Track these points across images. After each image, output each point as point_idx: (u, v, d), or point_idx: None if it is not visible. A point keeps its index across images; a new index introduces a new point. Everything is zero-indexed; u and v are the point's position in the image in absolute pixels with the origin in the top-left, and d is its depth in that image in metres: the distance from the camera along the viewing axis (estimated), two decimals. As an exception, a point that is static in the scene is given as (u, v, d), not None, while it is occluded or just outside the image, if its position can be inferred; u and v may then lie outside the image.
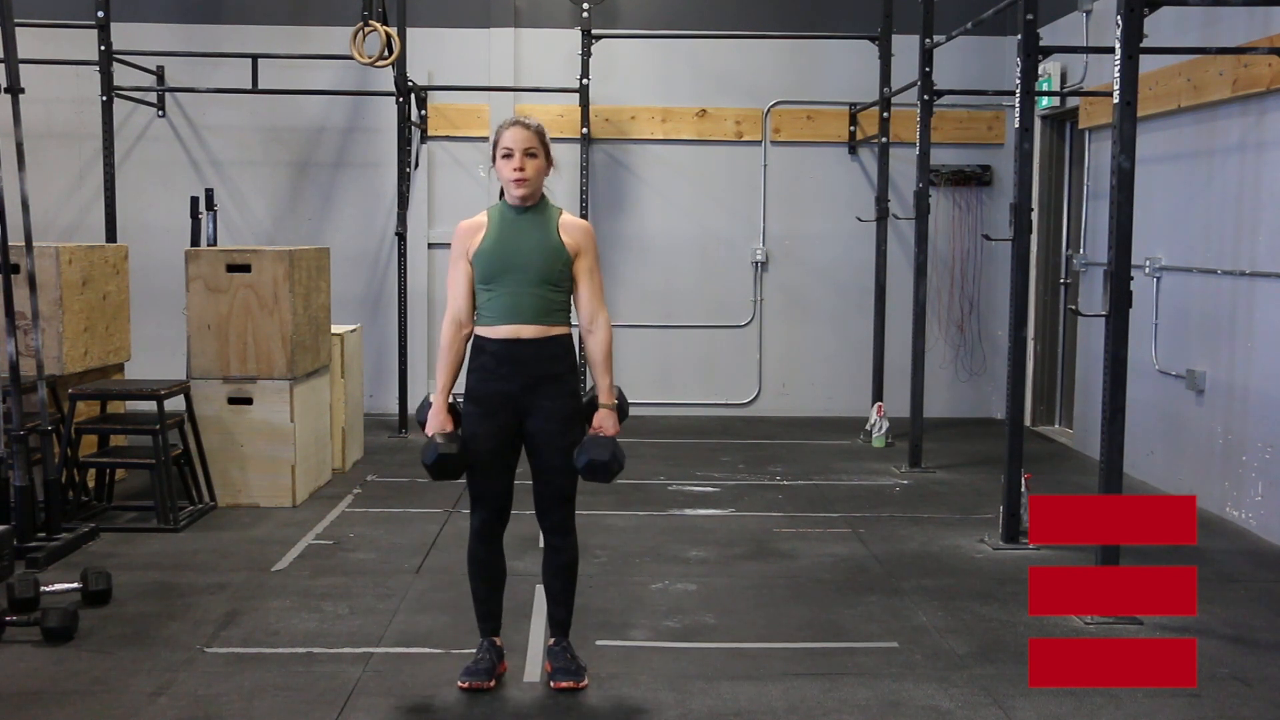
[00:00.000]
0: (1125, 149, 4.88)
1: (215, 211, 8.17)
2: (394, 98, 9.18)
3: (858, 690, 4.25)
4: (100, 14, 8.41)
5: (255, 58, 9.04)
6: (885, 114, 9.03)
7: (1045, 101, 9.01)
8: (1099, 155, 8.52)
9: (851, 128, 10.04)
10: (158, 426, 6.29)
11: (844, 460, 8.34)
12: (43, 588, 4.94)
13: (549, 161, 4.16)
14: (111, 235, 8.62)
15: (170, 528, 6.24)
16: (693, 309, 10.15)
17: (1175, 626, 4.90)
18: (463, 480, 4.19)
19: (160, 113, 9.86)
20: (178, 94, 9.73)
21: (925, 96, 7.73)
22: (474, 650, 4.36)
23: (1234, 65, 6.57)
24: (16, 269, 6.00)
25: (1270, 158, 6.39)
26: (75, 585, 5.04)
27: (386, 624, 4.88)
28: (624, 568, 5.70)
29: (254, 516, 6.57)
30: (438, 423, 4.14)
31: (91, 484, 6.67)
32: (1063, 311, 9.42)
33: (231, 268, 6.75)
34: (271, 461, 6.74)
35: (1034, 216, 7.96)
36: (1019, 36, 6.02)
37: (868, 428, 8.97)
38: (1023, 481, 6.09)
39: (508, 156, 4.09)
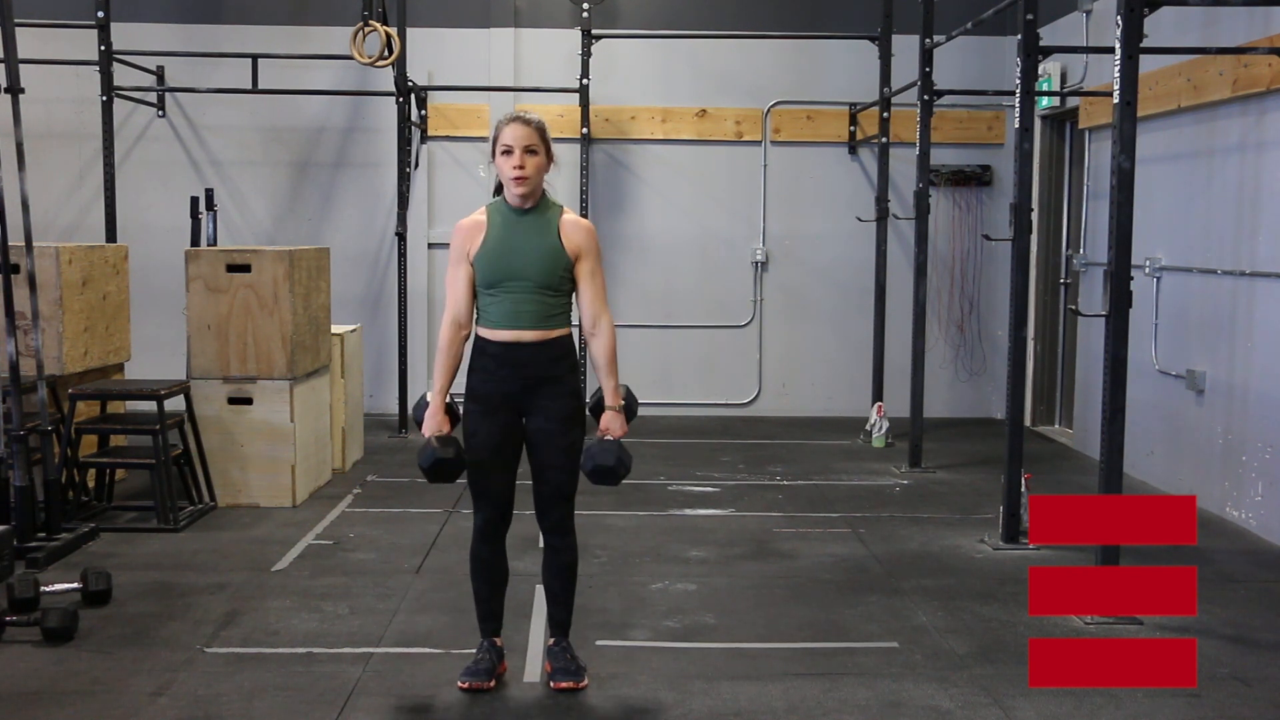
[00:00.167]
0: (1125, 149, 4.88)
1: (215, 211, 8.17)
2: (394, 98, 9.18)
3: (858, 690, 4.25)
4: (100, 14, 8.40)
5: (255, 58, 9.04)
6: (885, 114, 9.03)
7: (1045, 101, 9.01)
8: (1099, 155, 8.52)
9: (851, 128, 10.04)
10: (158, 426, 6.29)
11: (844, 460, 8.34)
12: (43, 588, 4.93)
13: (550, 158, 4.11)
14: (111, 235, 8.61)
15: (170, 528, 6.24)
16: (693, 309, 10.15)
17: (1175, 626, 4.90)
18: (463, 480, 4.18)
19: (160, 113, 9.86)
20: (178, 94, 9.73)
21: (925, 96, 7.73)
22: (474, 650, 4.36)
23: (1234, 65, 6.57)
24: (16, 269, 6.00)
25: (1270, 158, 6.39)
26: (75, 585, 5.03)
27: (386, 624, 4.88)
28: (624, 568, 5.70)
29: (254, 516, 6.57)
30: (434, 424, 4.13)
31: (91, 484, 6.67)
32: (1063, 311, 9.42)
33: (231, 268, 6.75)
34: (271, 461, 6.74)
35: (1034, 216, 7.97)
36: (1019, 36, 6.01)
37: (868, 428, 8.97)
38: (1023, 481, 6.09)
39: (507, 153, 4.03)
